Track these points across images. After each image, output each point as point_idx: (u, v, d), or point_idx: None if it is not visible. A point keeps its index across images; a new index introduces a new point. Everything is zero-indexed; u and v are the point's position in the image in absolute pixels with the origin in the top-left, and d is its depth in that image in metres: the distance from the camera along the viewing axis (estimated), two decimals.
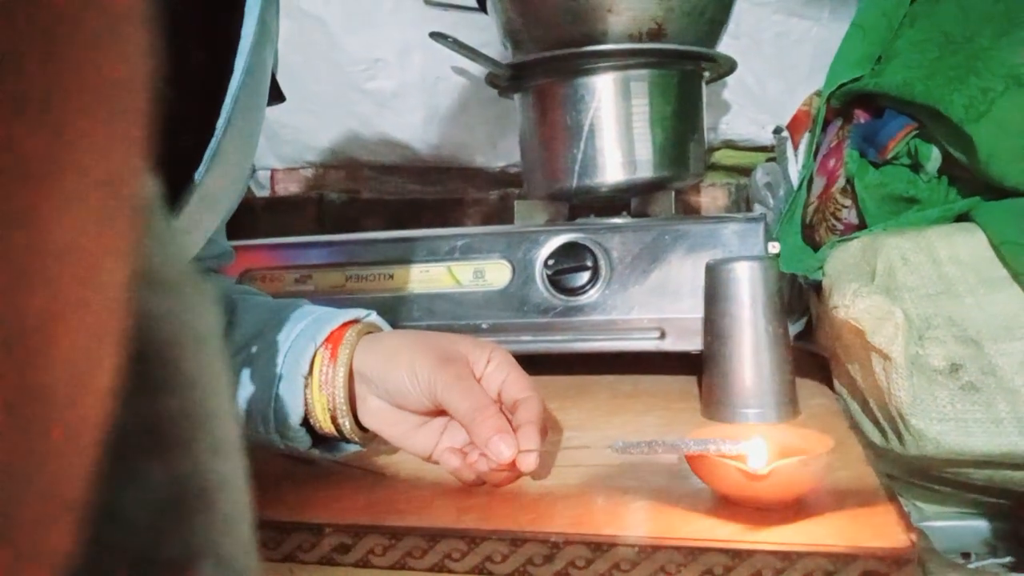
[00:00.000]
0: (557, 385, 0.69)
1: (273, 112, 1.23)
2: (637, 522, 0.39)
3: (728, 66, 0.80)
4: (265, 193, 1.23)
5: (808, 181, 0.75)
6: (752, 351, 0.54)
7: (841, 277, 0.54)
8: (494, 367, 0.47)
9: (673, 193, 0.78)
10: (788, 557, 0.34)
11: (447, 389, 0.43)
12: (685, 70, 0.75)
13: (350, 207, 1.12)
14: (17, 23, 0.09)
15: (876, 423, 0.54)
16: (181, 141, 0.41)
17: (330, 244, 0.74)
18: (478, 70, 0.95)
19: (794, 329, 0.79)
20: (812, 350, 0.72)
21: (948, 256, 0.53)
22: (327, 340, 0.47)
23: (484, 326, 0.68)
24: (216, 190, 0.43)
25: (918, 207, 0.61)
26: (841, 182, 0.67)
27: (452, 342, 0.47)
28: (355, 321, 0.49)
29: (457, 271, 0.70)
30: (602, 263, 0.66)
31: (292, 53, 1.07)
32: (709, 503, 0.40)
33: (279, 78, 0.55)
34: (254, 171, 1.20)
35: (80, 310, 0.11)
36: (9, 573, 0.10)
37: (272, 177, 1.23)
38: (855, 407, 0.57)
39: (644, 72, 0.73)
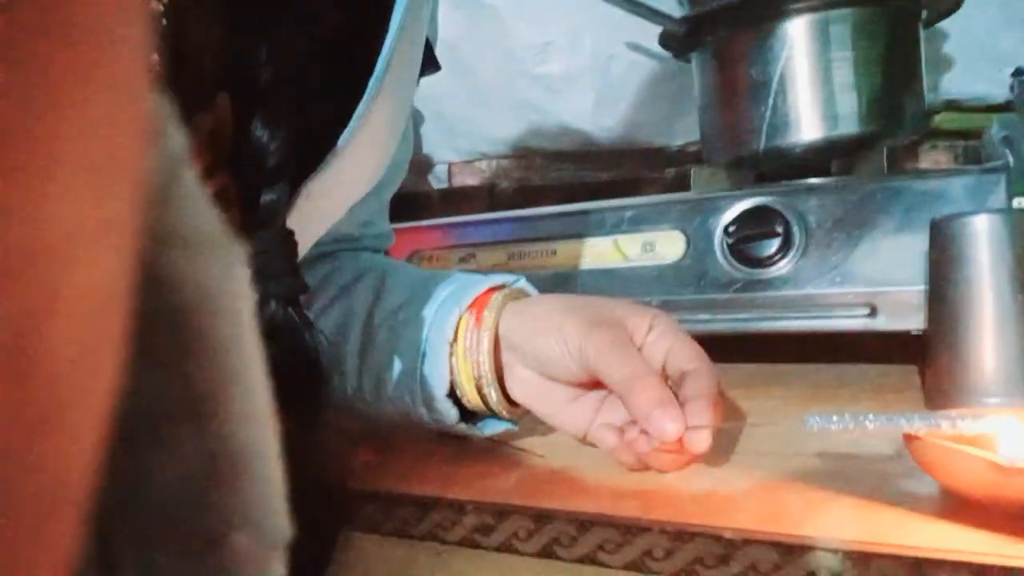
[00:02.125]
0: (739, 373, 0.60)
1: (447, 106, 1.24)
2: (840, 524, 0.30)
3: (949, 4, 0.67)
4: (443, 186, 1.24)
5: None
6: (995, 325, 0.43)
7: None
8: (657, 335, 0.40)
9: (884, 154, 0.66)
10: None
11: (600, 355, 0.37)
12: (896, 6, 0.64)
13: (521, 194, 1.10)
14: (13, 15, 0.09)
15: None
16: (330, 104, 0.39)
17: (493, 222, 0.71)
18: (652, 45, 0.89)
19: None
20: None
21: None
22: (472, 305, 0.43)
23: (654, 304, 0.61)
24: (363, 157, 0.41)
25: None
26: None
27: (608, 306, 0.41)
28: (503, 286, 0.44)
29: (624, 244, 0.64)
30: (795, 229, 0.57)
31: (464, 43, 1.07)
32: (940, 505, 0.31)
33: (442, 57, 0.52)
34: (427, 162, 1.21)
35: (79, 294, 0.11)
36: (10, 567, 0.10)
37: (449, 170, 1.24)
38: None
39: (846, 12, 0.63)
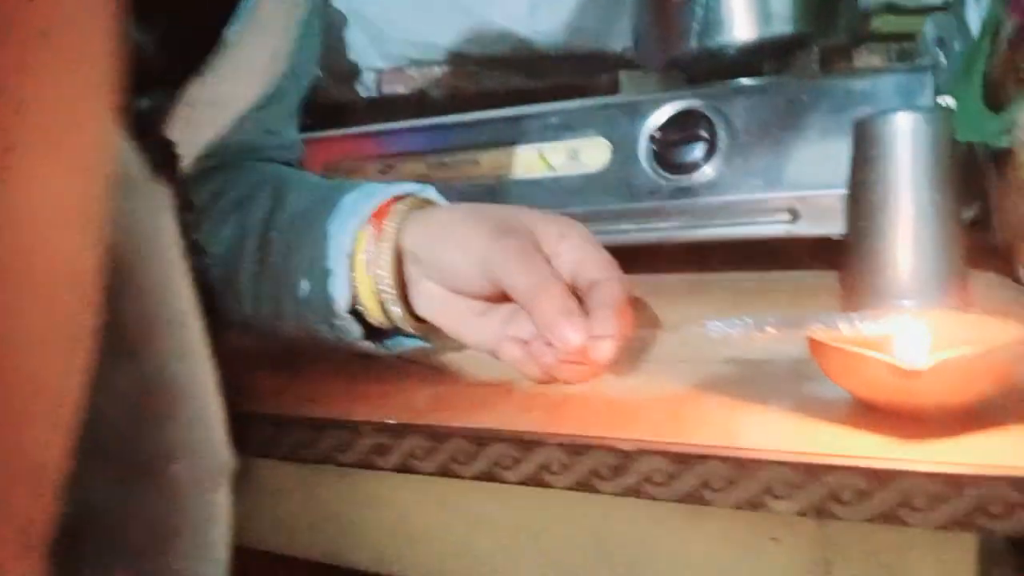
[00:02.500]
0: (665, 284, 0.59)
1: (374, 9, 1.16)
2: (738, 431, 0.29)
3: None
4: (371, 95, 1.18)
5: (994, 26, 0.58)
6: (911, 227, 0.42)
7: None
8: (567, 244, 0.38)
9: (816, 54, 0.64)
10: (953, 482, 0.24)
11: (503, 264, 0.35)
12: None
13: (453, 103, 1.05)
14: None
15: None
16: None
17: (412, 130, 0.67)
18: None
19: (966, 216, 0.64)
20: (987, 240, 0.58)
21: None
22: (374, 215, 0.40)
23: (580, 214, 0.59)
24: (253, 56, 0.37)
25: None
26: None
27: (516, 214, 0.39)
28: (408, 195, 0.42)
29: (549, 154, 0.61)
30: (720, 133, 0.55)
31: None
32: (844, 410, 0.30)
33: None
34: (353, 69, 1.15)
35: (48, 274, 0.10)
36: None
37: (378, 79, 1.18)
38: None
39: None
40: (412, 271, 0.40)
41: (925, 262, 0.42)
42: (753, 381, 0.35)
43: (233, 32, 0.34)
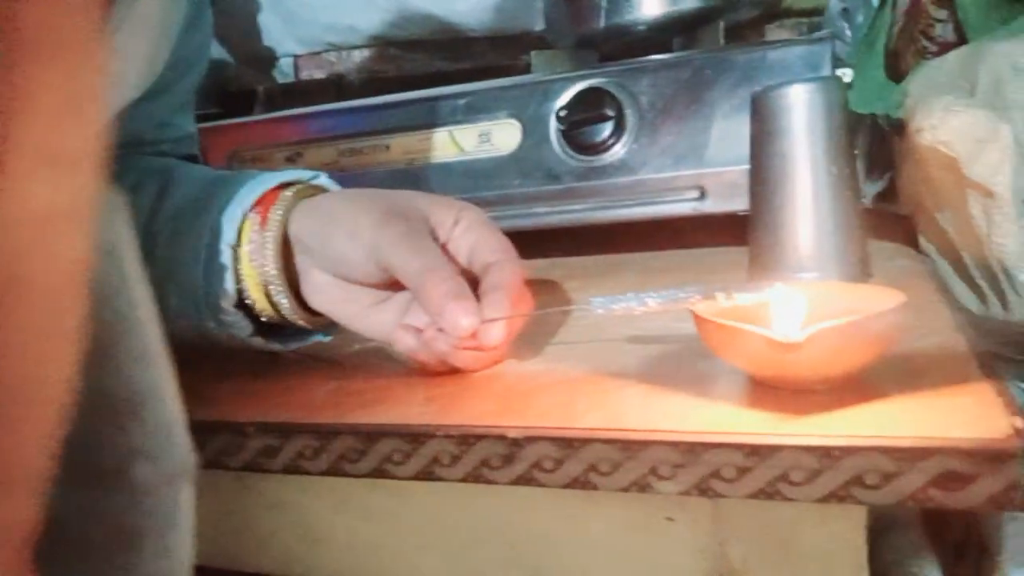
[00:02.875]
0: (576, 266, 0.58)
1: None
2: (629, 413, 0.29)
3: None
4: (289, 81, 1.14)
5: None
6: (810, 198, 0.42)
7: (928, 94, 0.40)
8: (463, 228, 0.37)
9: (721, 27, 0.64)
10: (829, 455, 0.24)
11: (392, 248, 0.34)
12: None
13: (371, 87, 1.02)
14: None
15: (973, 285, 0.42)
16: None
17: (320, 115, 0.65)
18: None
19: (874, 189, 0.65)
20: (895, 211, 0.59)
21: None
22: (258, 203, 0.38)
23: (492, 198, 0.58)
24: (131, 47, 0.34)
25: None
26: None
27: (409, 198, 0.37)
28: (296, 182, 0.40)
29: (460, 136, 0.60)
30: (628, 111, 0.54)
31: None
32: (736, 387, 0.30)
33: None
34: (269, 55, 1.11)
35: (38, 279, 0.11)
36: None
37: (295, 64, 1.14)
38: (946, 268, 0.44)
39: None
40: (302, 261, 0.38)
41: (824, 234, 0.43)
42: (653, 360, 0.35)
43: (110, 27, 0.32)
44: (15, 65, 0.10)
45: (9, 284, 0.10)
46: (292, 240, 0.38)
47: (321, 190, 0.41)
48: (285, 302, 0.38)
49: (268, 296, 0.38)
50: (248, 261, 0.37)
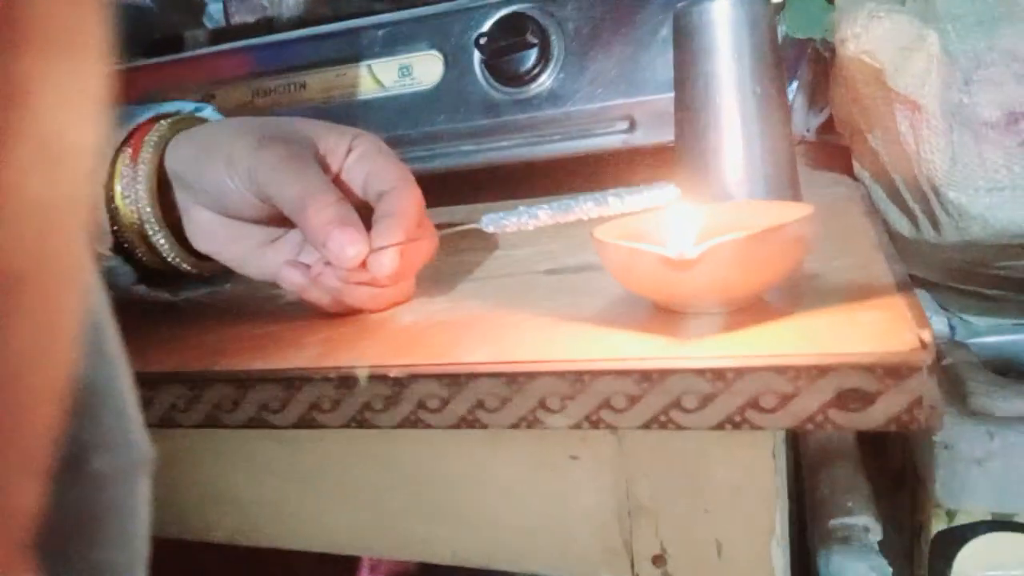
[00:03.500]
0: (502, 207, 0.55)
1: None
2: (520, 347, 0.27)
3: None
4: (220, 26, 1.08)
5: None
6: (736, 120, 0.40)
7: (855, 3, 0.38)
8: (356, 156, 0.34)
9: None
10: (721, 377, 0.22)
11: (270, 173, 0.31)
12: None
13: (300, 28, 0.97)
14: None
15: (905, 209, 0.40)
16: None
17: (230, 53, 0.61)
18: None
19: (818, 120, 0.63)
20: (837, 143, 0.57)
21: None
22: (130, 138, 0.35)
23: (415, 135, 0.55)
24: None
25: None
26: None
27: (294, 124, 0.34)
28: (174, 114, 0.36)
29: (379, 71, 0.57)
30: (553, 37, 0.51)
31: None
32: (638, 315, 0.28)
33: None
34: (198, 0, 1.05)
35: (37, 270, 0.11)
36: None
37: (225, 8, 1.09)
38: (880, 192, 0.42)
39: None
40: (183, 199, 0.35)
41: (751, 158, 0.40)
42: (562, 293, 0.33)
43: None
44: (16, 57, 0.10)
45: (8, 277, 0.10)
46: (171, 176, 0.34)
47: (203, 121, 0.37)
48: (164, 242, 0.35)
49: (145, 238, 0.35)
50: (122, 199, 0.34)
